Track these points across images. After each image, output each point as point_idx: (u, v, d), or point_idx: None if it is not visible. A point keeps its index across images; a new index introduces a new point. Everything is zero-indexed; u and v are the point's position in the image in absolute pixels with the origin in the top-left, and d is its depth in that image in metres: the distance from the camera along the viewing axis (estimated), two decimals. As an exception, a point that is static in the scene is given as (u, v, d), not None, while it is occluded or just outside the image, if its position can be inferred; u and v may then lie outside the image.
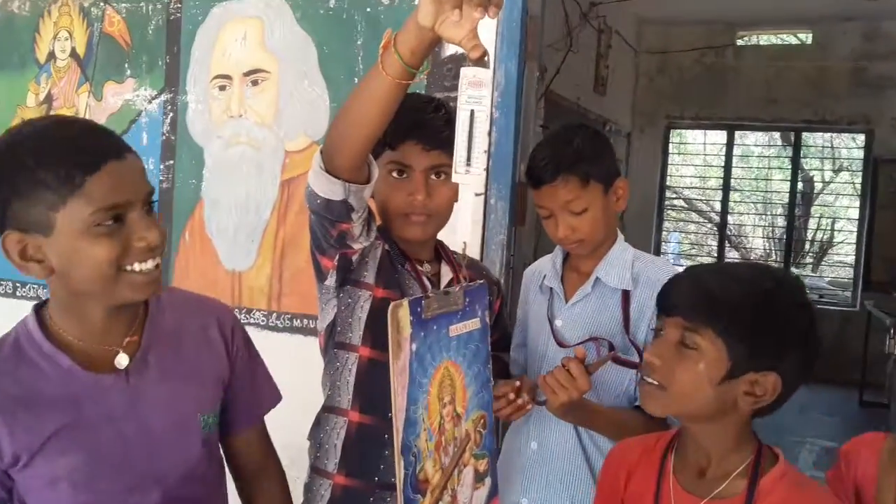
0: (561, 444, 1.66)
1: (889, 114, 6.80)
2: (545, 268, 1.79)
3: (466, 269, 1.68)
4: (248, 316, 2.82)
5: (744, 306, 1.15)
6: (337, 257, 1.44)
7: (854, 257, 7.47)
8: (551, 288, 1.74)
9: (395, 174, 1.52)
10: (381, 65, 1.17)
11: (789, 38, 7.49)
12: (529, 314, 1.80)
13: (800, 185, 8.22)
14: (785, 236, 8.16)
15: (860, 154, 7.56)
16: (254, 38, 2.81)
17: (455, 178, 1.10)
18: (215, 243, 2.89)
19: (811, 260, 9.42)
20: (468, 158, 1.05)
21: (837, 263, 8.98)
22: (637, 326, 1.63)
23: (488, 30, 2.51)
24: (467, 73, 1.03)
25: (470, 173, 1.06)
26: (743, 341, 1.15)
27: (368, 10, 2.64)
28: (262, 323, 2.81)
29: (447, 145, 1.25)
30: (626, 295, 1.64)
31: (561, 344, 1.66)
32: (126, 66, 3.03)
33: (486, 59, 1.05)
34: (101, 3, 3.07)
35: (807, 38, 7.22)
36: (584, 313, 1.68)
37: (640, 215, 7.06)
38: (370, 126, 1.24)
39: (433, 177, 1.52)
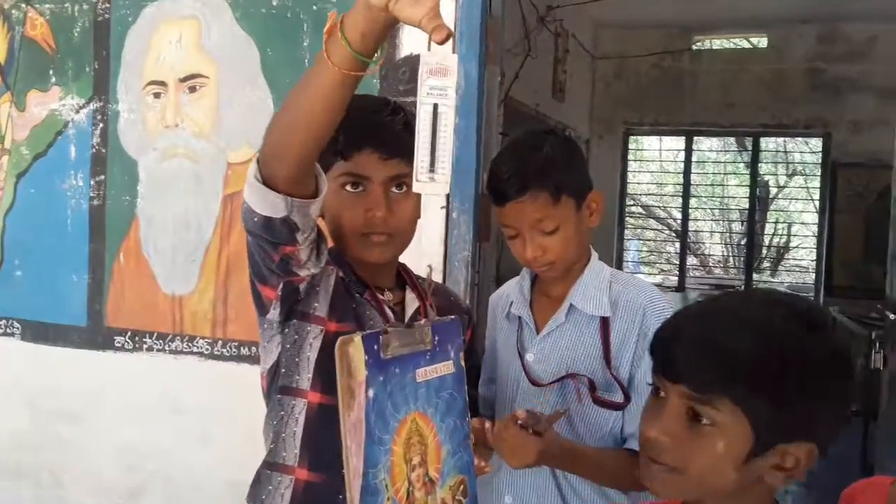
0: (539, 495, 1.46)
1: (846, 117, 6.76)
2: (512, 293, 1.60)
3: (433, 296, 1.48)
4: (190, 344, 2.57)
5: (767, 363, 0.89)
6: (281, 286, 1.23)
7: (815, 262, 7.43)
8: (520, 317, 1.54)
9: (349, 188, 1.31)
10: (325, 53, 0.96)
11: (745, 42, 7.44)
12: (497, 346, 1.60)
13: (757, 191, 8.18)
14: (744, 241, 8.11)
15: (816, 158, 7.54)
16: (190, 39, 2.58)
17: (416, 187, 0.90)
18: (153, 265, 2.64)
19: (768, 265, 9.41)
20: (431, 163, 0.85)
21: (795, 268, 8.98)
22: (619, 358, 1.45)
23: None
24: (429, 59, 0.84)
25: (434, 181, 0.86)
26: (770, 409, 0.90)
27: (315, 7, 2.42)
28: (206, 352, 2.56)
29: (408, 153, 1.09)
30: (604, 322, 1.46)
31: (534, 382, 1.47)
32: (51, 72, 2.77)
33: (452, 40, 0.86)
34: (23, 5, 2.80)
35: (762, 41, 7.18)
36: (558, 345, 1.49)
37: (600, 224, 6.91)
38: (315, 128, 1.03)
39: (394, 189, 1.33)
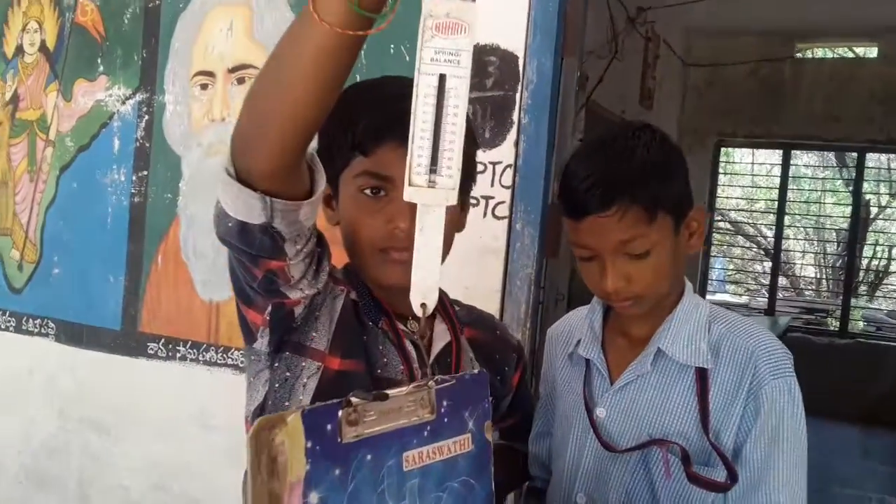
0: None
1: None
2: (577, 328, 1.29)
3: (472, 327, 1.21)
4: (225, 356, 2.37)
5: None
6: (269, 309, 0.98)
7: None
8: (588, 360, 1.24)
9: (368, 191, 1.05)
10: (311, 4, 0.71)
11: (852, 52, 6.91)
12: (557, 393, 1.30)
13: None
14: (840, 263, 7.54)
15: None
16: (241, 28, 2.38)
17: (408, 193, 0.67)
18: (191, 268, 2.45)
19: (865, 288, 8.78)
20: (433, 161, 0.59)
21: (894, 293, 8.34)
22: (720, 422, 1.12)
23: (516, 12, 2.05)
24: (436, 7, 0.58)
25: (435, 186, 0.60)
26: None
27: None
28: (241, 364, 2.35)
29: None
30: (701, 374, 1.14)
31: (608, 447, 1.16)
32: (99, 61, 2.62)
33: None
34: (75, -10, 2.67)
35: (871, 51, 6.64)
36: (639, 401, 1.17)
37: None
38: (300, 109, 0.78)
39: None
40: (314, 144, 0.88)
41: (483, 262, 2.12)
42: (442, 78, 0.60)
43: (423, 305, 0.71)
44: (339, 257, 1.09)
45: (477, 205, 2.08)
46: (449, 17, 0.60)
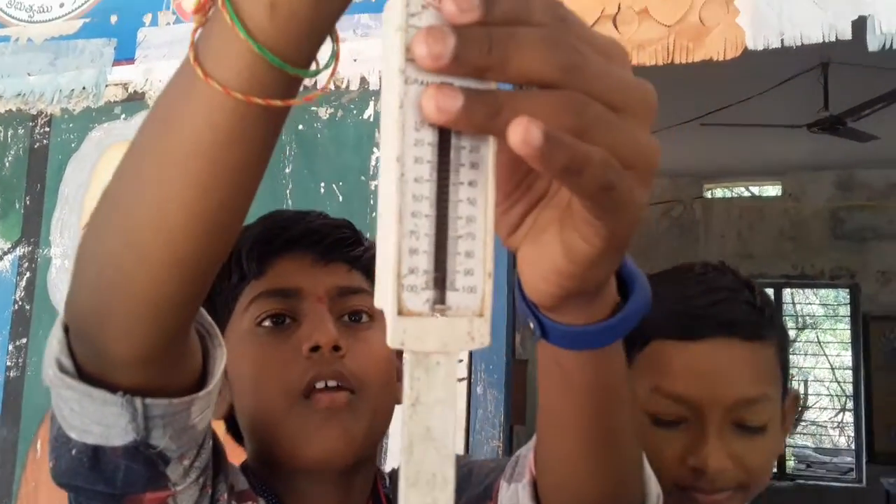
0: None
1: (874, 266, 6.31)
2: None
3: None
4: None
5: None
6: None
7: (853, 425, 6.74)
8: None
9: (268, 322, 0.74)
10: (192, 55, 0.41)
11: (758, 190, 7.11)
12: None
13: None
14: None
15: (845, 310, 7.03)
16: (145, 169, 2.07)
17: (392, 332, 0.35)
18: (78, 457, 2.01)
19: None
20: (439, 261, 0.33)
21: (821, 428, 8.30)
22: None
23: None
24: None
25: (448, 313, 0.36)
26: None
27: (301, 127, 1.93)
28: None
29: (358, 262, 0.77)
30: None
31: None
32: (-27, 210, 2.24)
33: None
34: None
35: (775, 188, 6.85)
36: None
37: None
38: (186, 232, 0.46)
39: (346, 318, 0.75)
40: None
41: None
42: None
43: None
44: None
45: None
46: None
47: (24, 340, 2.12)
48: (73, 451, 0.54)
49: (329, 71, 0.43)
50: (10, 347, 2.13)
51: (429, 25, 0.34)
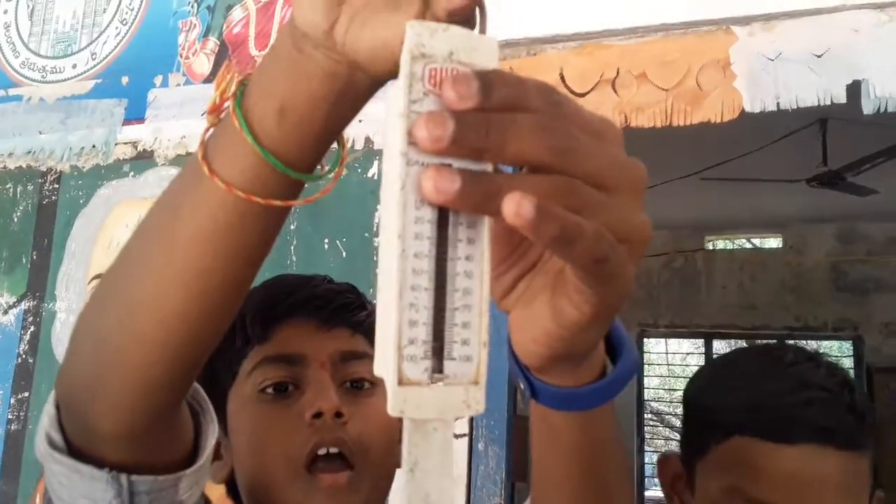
0: None
1: (877, 318, 6.29)
2: None
3: None
4: None
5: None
6: None
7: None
8: None
9: (271, 390, 0.76)
10: (201, 156, 0.44)
11: (760, 242, 7.13)
12: None
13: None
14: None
15: (849, 363, 6.99)
16: (151, 224, 2.09)
17: (392, 401, 0.37)
18: (78, 512, 1.99)
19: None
20: (437, 331, 0.35)
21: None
22: None
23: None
24: (430, 38, 0.35)
25: (447, 378, 0.37)
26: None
27: (307, 185, 1.96)
28: None
29: (361, 326, 0.78)
30: None
31: None
32: (-20, 265, 2.27)
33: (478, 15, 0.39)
34: (-42, 186, 2.35)
35: (776, 240, 6.86)
36: None
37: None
38: (180, 317, 0.48)
39: (348, 385, 0.76)
40: None
41: None
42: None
43: None
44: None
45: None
46: (455, 61, 0.35)
47: (26, 394, 2.12)
48: None
49: (337, 173, 0.45)
50: (12, 401, 2.13)
51: (429, 111, 0.36)
